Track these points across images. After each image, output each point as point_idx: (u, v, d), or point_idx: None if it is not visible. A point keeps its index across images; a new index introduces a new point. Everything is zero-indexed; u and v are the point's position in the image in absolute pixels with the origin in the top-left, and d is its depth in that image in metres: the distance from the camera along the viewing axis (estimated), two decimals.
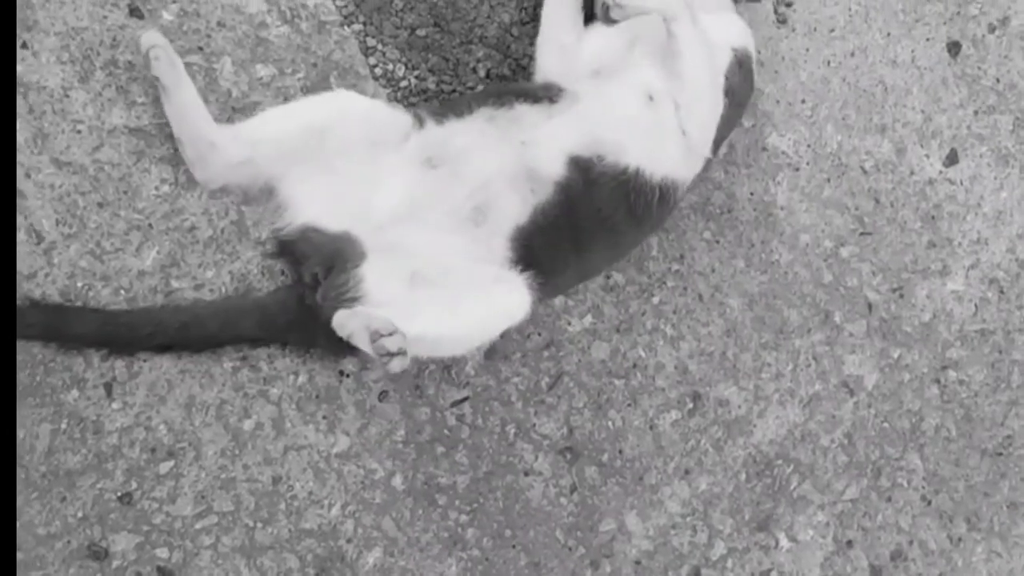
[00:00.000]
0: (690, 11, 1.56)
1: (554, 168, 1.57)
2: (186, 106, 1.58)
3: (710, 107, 1.62)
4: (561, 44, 1.69)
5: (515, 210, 1.58)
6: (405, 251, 1.57)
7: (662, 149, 1.60)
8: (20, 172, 1.59)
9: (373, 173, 1.59)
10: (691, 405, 1.87)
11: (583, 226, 1.59)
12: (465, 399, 1.78)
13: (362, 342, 1.42)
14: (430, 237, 1.57)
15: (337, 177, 1.59)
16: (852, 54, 1.92)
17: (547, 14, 1.71)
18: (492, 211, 1.58)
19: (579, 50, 1.69)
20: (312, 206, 1.61)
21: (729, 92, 1.63)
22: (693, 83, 1.59)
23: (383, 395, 1.74)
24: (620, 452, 1.84)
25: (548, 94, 1.63)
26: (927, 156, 1.96)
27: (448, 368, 1.77)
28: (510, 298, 1.55)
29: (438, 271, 1.55)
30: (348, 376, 1.73)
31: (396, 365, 1.39)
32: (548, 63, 1.70)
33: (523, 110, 1.61)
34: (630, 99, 1.61)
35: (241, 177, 1.62)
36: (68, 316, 1.58)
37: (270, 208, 1.65)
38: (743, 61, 1.66)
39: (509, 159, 1.58)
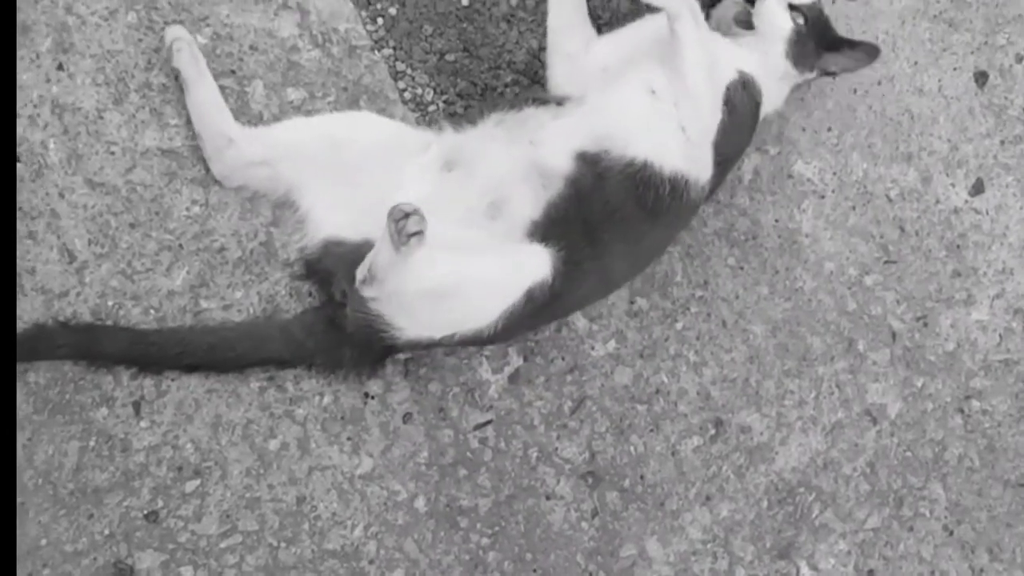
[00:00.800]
0: (693, 13, 1.58)
1: (562, 163, 1.59)
2: (206, 100, 1.62)
3: (706, 106, 1.62)
4: (568, 53, 1.72)
5: (528, 205, 1.60)
6: None
7: (665, 142, 1.60)
8: (54, 192, 1.61)
9: (392, 181, 1.62)
10: (713, 431, 1.87)
11: (595, 220, 1.60)
12: (488, 422, 1.79)
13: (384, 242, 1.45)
14: (450, 233, 1.58)
15: (356, 188, 1.62)
16: (879, 83, 1.92)
17: (552, 25, 1.73)
18: (506, 205, 1.60)
19: (587, 58, 1.70)
20: (332, 218, 1.64)
21: (729, 105, 1.64)
22: (690, 79, 1.60)
23: (407, 417, 1.75)
24: (642, 477, 1.84)
25: (555, 98, 1.67)
26: (953, 185, 1.96)
27: (471, 391, 1.78)
28: (531, 257, 1.56)
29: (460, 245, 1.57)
30: (373, 398, 1.74)
31: (415, 243, 1.41)
32: (558, 73, 1.72)
33: (530, 112, 1.65)
34: (633, 94, 1.63)
35: (259, 179, 1.65)
36: (98, 335, 1.60)
37: (291, 222, 1.67)
38: (747, 83, 1.66)
39: (519, 158, 1.61)
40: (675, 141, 1.60)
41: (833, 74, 1.78)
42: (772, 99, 1.72)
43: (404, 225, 1.40)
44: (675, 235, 1.78)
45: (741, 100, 1.65)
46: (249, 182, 1.66)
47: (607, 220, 1.60)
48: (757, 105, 1.69)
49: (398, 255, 1.42)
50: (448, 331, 1.55)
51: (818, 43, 1.71)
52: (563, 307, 1.67)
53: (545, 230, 1.58)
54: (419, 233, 1.41)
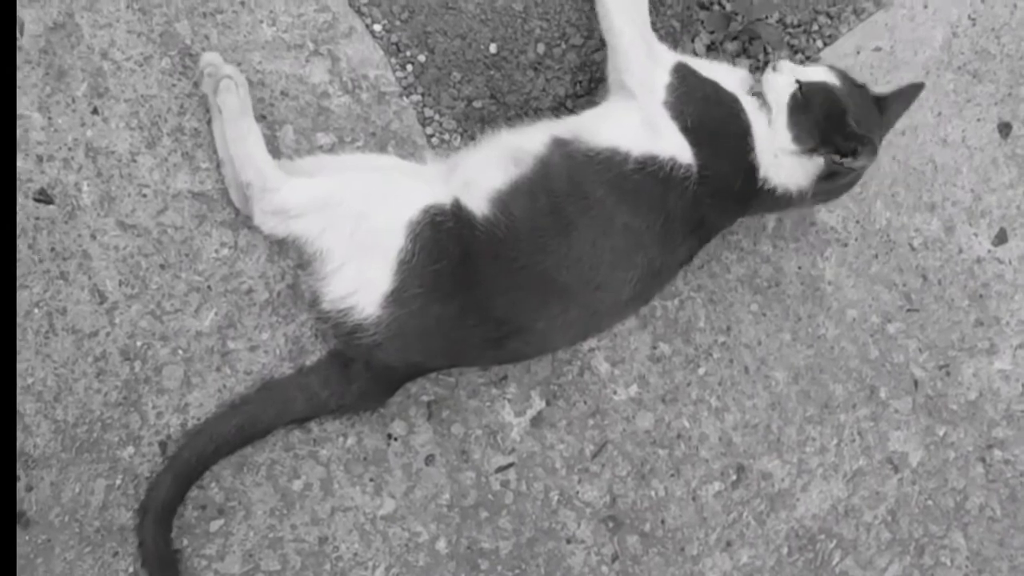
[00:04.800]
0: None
1: (537, 146, 1.61)
2: (249, 143, 1.63)
3: (636, 58, 1.63)
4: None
5: (495, 179, 1.60)
6: None
7: (623, 124, 1.62)
8: (86, 233, 1.64)
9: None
10: (734, 477, 1.87)
11: (560, 195, 1.58)
12: (510, 465, 1.80)
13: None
14: None
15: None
16: (903, 133, 1.93)
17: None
18: (474, 181, 1.62)
19: None
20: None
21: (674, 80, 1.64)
22: (617, 36, 1.64)
23: (429, 459, 1.76)
24: (662, 522, 1.84)
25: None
26: (976, 235, 1.97)
27: (494, 434, 1.79)
28: (413, 189, 1.60)
29: None
30: (396, 439, 1.75)
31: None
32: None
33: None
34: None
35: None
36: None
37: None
38: (680, 69, 1.65)
39: (497, 151, 1.65)
40: (633, 117, 1.62)
41: (841, 168, 1.66)
42: (785, 173, 1.67)
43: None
44: (656, 225, 1.61)
45: (680, 81, 1.64)
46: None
47: (572, 195, 1.59)
48: (694, 78, 1.66)
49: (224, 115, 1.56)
50: (355, 274, 1.57)
51: (822, 122, 1.64)
52: (524, 281, 1.59)
53: (507, 200, 1.59)
54: (228, 77, 1.57)
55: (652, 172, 1.58)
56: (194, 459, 1.62)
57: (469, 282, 1.56)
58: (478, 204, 1.58)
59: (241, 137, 1.61)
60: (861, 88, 1.70)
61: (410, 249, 1.54)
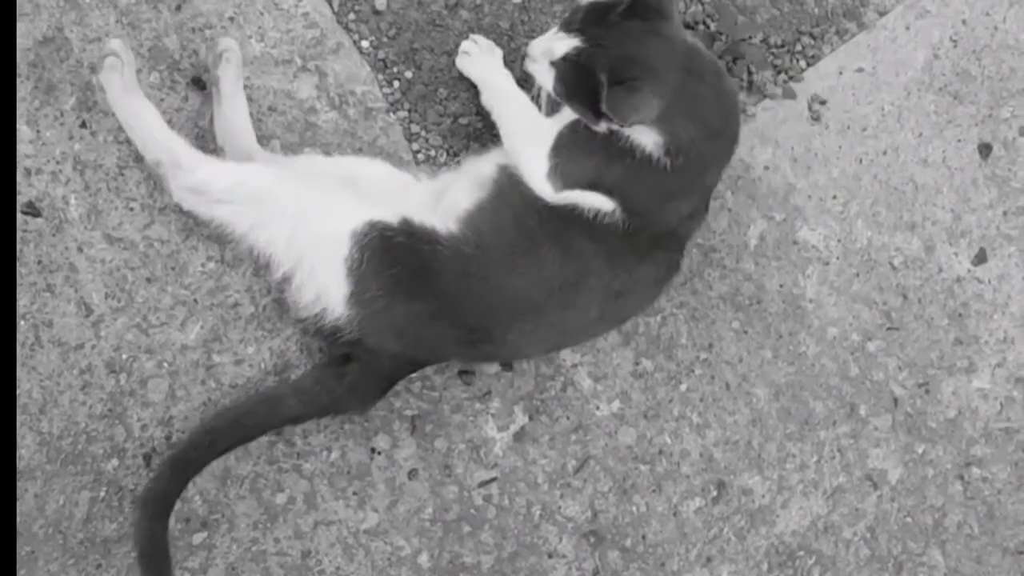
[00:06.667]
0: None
1: (490, 171, 1.65)
2: (237, 115, 1.67)
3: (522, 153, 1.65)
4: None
5: (464, 201, 1.63)
6: None
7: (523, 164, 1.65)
8: (73, 246, 1.65)
9: None
10: (715, 493, 1.89)
11: (519, 211, 1.62)
12: (493, 479, 1.81)
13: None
14: None
15: None
16: (884, 152, 1.96)
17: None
18: (444, 197, 1.66)
19: None
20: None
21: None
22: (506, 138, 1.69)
23: (412, 473, 1.78)
24: (643, 537, 1.86)
25: None
26: (956, 254, 1.99)
27: (477, 448, 1.80)
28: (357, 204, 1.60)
29: None
30: (380, 453, 1.76)
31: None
32: None
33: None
34: None
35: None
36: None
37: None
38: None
39: (465, 177, 1.68)
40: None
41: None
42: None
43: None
44: (598, 250, 1.61)
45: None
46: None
47: (528, 215, 1.62)
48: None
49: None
50: (310, 279, 1.58)
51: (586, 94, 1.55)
52: (487, 292, 1.61)
53: (475, 217, 1.61)
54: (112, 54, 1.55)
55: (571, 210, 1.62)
56: (192, 452, 1.61)
57: (434, 291, 1.58)
58: (445, 223, 1.61)
59: (134, 114, 1.61)
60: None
61: (358, 257, 1.55)
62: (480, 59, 1.78)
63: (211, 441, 1.61)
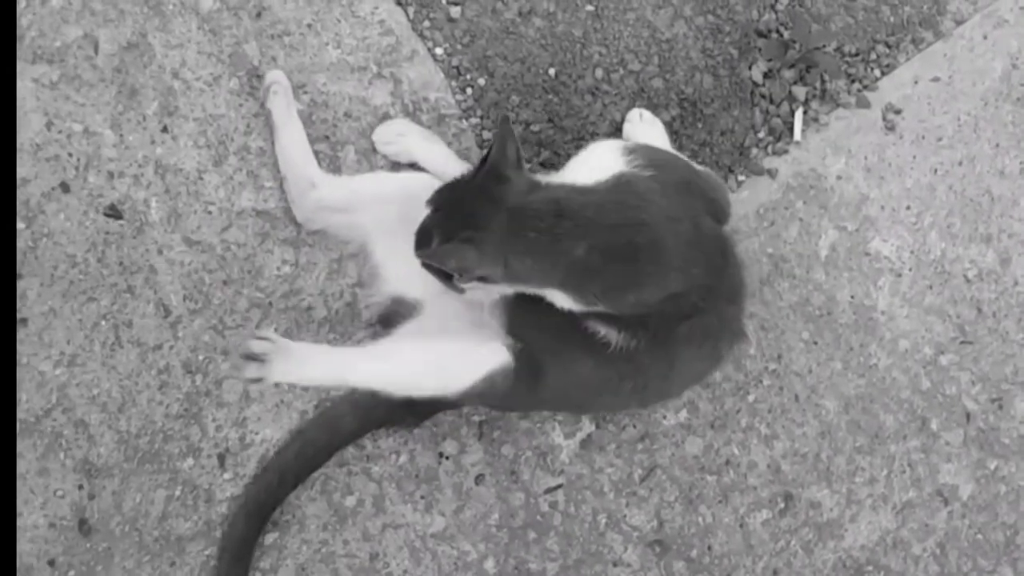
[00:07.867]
0: None
1: None
2: (293, 144, 1.70)
3: None
4: None
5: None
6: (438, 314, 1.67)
7: None
8: (153, 248, 1.68)
9: None
10: (782, 505, 1.87)
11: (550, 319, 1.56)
12: (559, 487, 1.81)
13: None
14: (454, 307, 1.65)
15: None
16: (960, 163, 1.93)
17: None
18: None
19: None
20: (398, 273, 1.69)
21: None
22: None
23: (480, 479, 1.78)
24: (709, 548, 1.85)
25: None
26: None
27: (544, 455, 1.81)
28: (485, 345, 1.54)
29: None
30: (448, 458, 1.77)
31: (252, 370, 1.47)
32: None
33: None
34: None
35: (337, 225, 1.71)
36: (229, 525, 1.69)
37: (366, 272, 1.71)
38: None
39: None
40: None
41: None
42: None
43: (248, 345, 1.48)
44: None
45: None
46: (328, 227, 1.71)
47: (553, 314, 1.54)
48: None
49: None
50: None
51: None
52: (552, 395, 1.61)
53: (509, 306, 1.61)
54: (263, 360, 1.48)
55: None
56: (263, 494, 1.66)
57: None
58: None
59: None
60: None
61: None
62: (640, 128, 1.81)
63: (279, 480, 1.66)
